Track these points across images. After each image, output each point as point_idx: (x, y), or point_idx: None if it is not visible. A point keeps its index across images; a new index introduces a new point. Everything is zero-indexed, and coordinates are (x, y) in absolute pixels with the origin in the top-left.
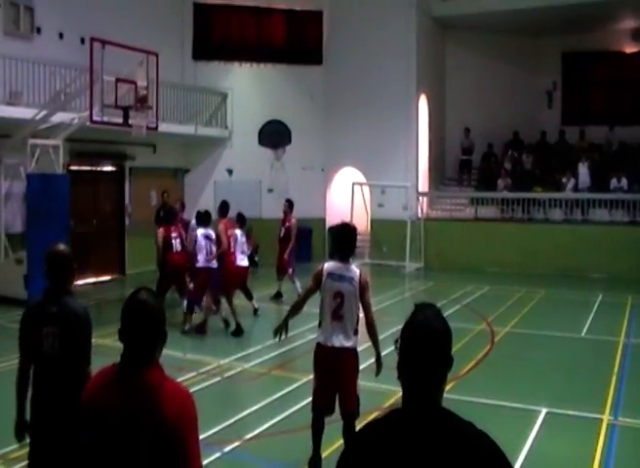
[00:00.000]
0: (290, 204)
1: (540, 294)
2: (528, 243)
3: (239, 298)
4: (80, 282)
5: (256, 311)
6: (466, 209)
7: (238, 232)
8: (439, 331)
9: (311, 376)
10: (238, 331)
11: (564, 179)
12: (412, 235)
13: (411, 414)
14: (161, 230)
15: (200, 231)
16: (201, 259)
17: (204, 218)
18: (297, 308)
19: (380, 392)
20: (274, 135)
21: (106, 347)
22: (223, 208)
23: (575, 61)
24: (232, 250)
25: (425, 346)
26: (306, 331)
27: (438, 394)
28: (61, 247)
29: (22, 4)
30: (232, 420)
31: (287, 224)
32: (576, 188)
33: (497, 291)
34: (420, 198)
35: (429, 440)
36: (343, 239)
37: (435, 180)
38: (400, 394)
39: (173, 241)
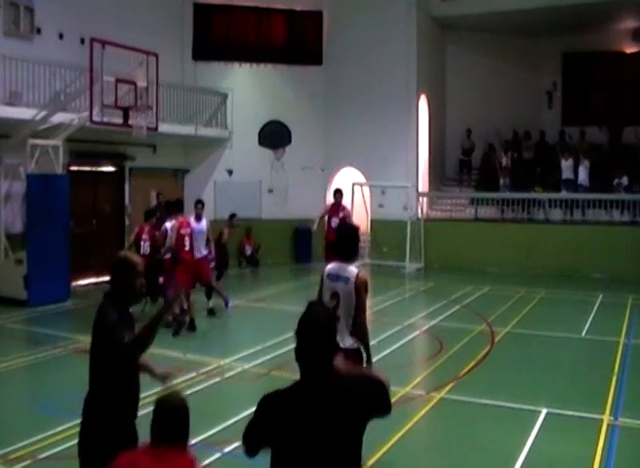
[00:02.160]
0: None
1: (541, 295)
2: (528, 243)
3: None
4: (81, 282)
5: (211, 311)
6: (466, 209)
7: (197, 228)
8: (323, 326)
9: None
10: (191, 327)
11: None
12: (412, 235)
13: (304, 383)
14: (135, 228)
15: (168, 224)
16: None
17: (173, 208)
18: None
19: None
20: (274, 135)
21: None
22: (178, 205)
23: (575, 61)
24: (187, 247)
25: (311, 337)
26: None
27: (325, 368)
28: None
29: (22, 4)
30: (232, 421)
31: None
32: (575, 188)
33: (497, 291)
34: (420, 198)
35: (316, 397)
36: (344, 239)
37: (435, 181)
38: (402, 393)
39: (142, 242)
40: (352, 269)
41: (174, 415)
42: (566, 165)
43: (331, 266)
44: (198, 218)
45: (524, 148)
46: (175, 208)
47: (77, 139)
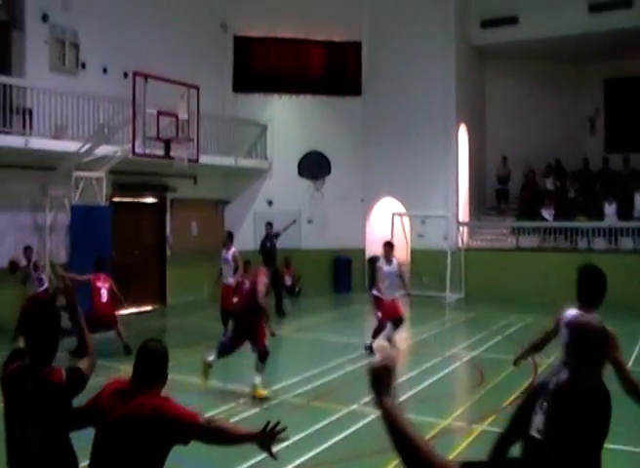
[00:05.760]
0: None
1: None
2: (572, 272)
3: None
4: (123, 312)
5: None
6: (507, 238)
7: (223, 256)
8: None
9: (353, 407)
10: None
11: (606, 205)
12: (452, 265)
13: None
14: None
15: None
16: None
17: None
18: (537, 348)
19: (420, 424)
20: (314, 165)
21: None
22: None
23: (617, 87)
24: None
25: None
26: (345, 363)
27: None
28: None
29: (68, 40)
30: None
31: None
32: (626, 216)
33: (539, 321)
34: (461, 228)
35: None
36: (591, 283)
37: (475, 210)
38: (443, 424)
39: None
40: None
41: (147, 358)
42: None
43: (573, 315)
44: (226, 248)
45: (568, 176)
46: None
47: (120, 171)
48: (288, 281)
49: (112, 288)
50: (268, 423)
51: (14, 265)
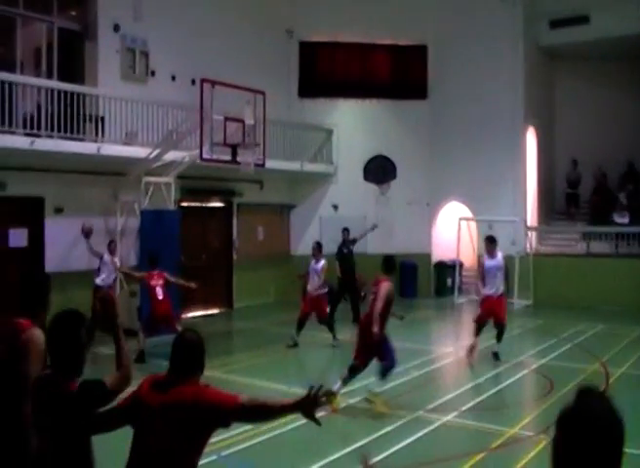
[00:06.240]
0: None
1: None
2: None
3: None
4: (190, 314)
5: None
6: (577, 244)
7: (313, 267)
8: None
9: (418, 413)
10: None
11: None
12: (520, 271)
13: None
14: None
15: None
16: None
17: (149, 262)
18: None
19: (487, 432)
20: (379, 170)
21: (214, 378)
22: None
23: None
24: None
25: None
26: (411, 368)
27: None
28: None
29: (138, 49)
30: (335, 456)
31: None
32: None
33: (611, 329)
34: (529, 233)
35: None
36: None
37: (544, 215)
38: (510, 433)
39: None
40: None
41: (184, 349)
42: None
43: None
44: (316, 259)
45: None
46: (150, 262)
47: (188, 176)
48: None
49: (168, 283)
50: (312, 388)
51: (88, 231)
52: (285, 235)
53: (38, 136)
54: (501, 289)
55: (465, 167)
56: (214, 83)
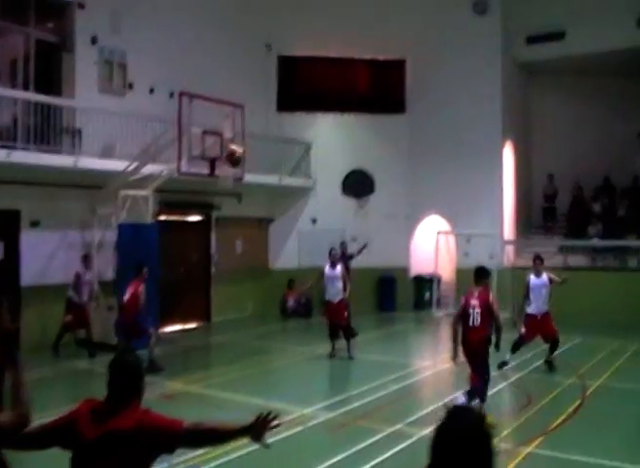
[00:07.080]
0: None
1: (635, 347)
2: (621, 292)
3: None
4: (168, 329)
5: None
6: (554, 257)
7: (330, 273)
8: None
9: (397, 427)
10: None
11: None
12: (499, 284)
13: None
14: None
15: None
16: None
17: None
18: None
19: None
20: (358, 184)
21: (192, 393)
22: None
23: None
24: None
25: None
26: (390, 382)
27: None
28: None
29: (116, 61)
30: None
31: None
32: None
33: (588, 342)
34: (507, 246)
35: None
36: None
37: (522, 228)
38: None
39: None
40: None
41: (122, 372)
42: None
43: None
44: (333, 266)
45: (617, 194)
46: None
47: (166, 190)
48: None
49: (136, 291)
50: (261, 413)
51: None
52: (263, 249)
53: (14, 148)
54: (546, 307)
55: (444, 180)
56: (192, 96)
